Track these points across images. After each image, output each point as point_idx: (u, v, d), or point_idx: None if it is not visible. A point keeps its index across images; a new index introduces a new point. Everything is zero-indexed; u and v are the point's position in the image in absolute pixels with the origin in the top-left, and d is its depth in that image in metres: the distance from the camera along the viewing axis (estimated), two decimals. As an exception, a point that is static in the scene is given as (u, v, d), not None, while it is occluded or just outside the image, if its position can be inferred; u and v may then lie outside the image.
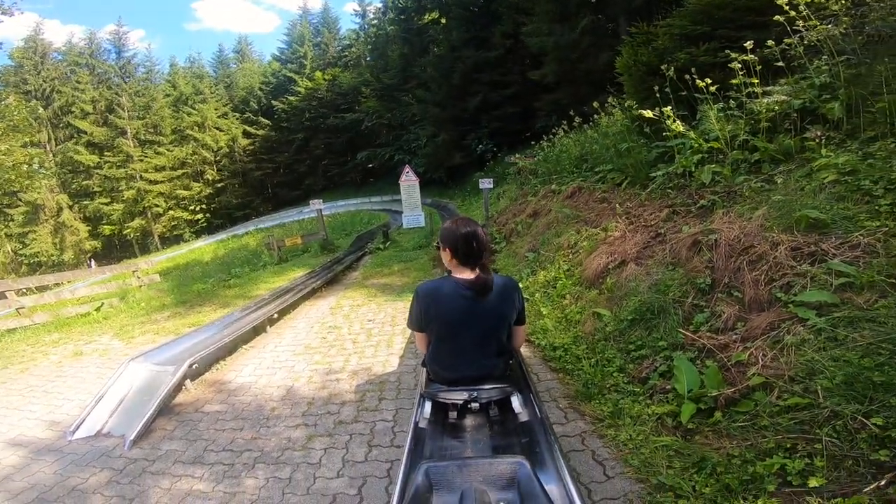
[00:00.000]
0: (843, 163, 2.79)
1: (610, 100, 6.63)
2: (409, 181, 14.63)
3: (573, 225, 5.43)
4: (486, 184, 10.60)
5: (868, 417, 1.65)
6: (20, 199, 30.48)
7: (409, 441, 1.80)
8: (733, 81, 3.63)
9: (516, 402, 1.90)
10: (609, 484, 2.05)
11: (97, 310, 6.95)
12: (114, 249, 36.43)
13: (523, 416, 1.86)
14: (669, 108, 3.91)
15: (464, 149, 23.11)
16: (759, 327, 2.32)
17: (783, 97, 3.56)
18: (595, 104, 6.85)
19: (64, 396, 3.86)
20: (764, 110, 3.53)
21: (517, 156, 11.38)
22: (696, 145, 3.88)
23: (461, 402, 1.90)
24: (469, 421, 1.97)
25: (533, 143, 10.25)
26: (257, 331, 4.90)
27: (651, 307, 3.00)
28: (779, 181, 3.14)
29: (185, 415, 3.24)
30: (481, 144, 21.92)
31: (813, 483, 1.62)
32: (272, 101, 40.64)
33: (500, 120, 21.39)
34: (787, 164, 3.35)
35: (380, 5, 39.87)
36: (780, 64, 3.51)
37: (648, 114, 3.93)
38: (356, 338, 4.56)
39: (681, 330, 2.67)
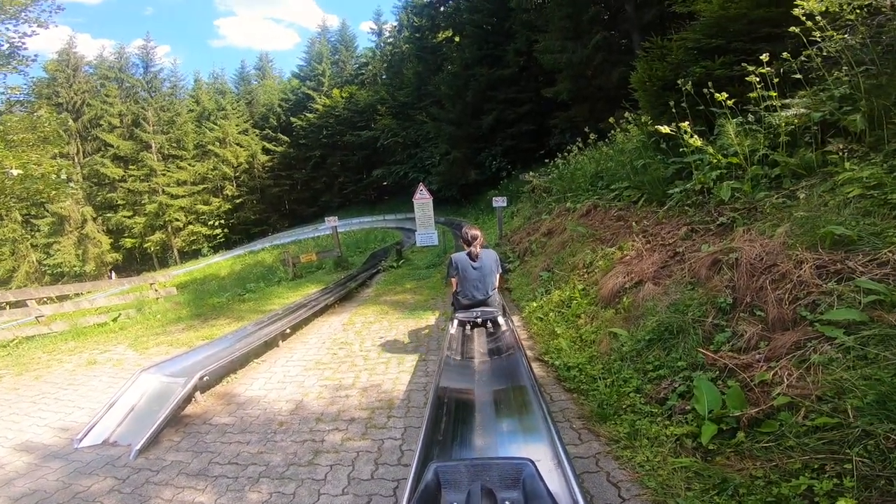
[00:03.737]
0: (868, 176, 2.70)
1: (626, 115, 6.59)
2: (422, 199, 14.65)
3: (588, 244, 5.36)
4: (499, 202, 10.57)
5: (904, 438, 1.55)
6: (47, 210, 31.53)
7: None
8: (751, 95, 3.57)
9: (500, 320, 3.84)
10: (624, 508, 1.96)
11: (114, 320, 7.07)
12: (134, 262, 37.14)
13: (504, 328, 3.70)
14: (687, 123, 3.85)
15: (478, 166, 23.14)
16: (783, 346, 2.22)
17: (802, 110, 3.48)
18: (611, 120, 6.82)
19: (74, 404, 3.90)
20: (783, 124, 3.44)
21: (531, 174, 11.32)
22: (715, 161, 3.81)
23: (472, 319, 3.88)
24: (476, 332, 3.84)
25: (547, 160, 10.22)
26: (269, 345, 4.89)
27: (669, 327, 2.91)
28: (801, 196, 3.05)
29: (193, 426, 3.22)
30: (495, 162, 21.94)
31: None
32: (291, 118, 41.58)
33: (514, 138, 21.49)
34: (808, 178, 3.25)
35: (395, 24, 40.77)
36: (798, 76, 3.45)
37: (665, 129, 3.88)
38: (367, 354, 4.53)
39: (701, 350, 2.58)
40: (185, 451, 2.89)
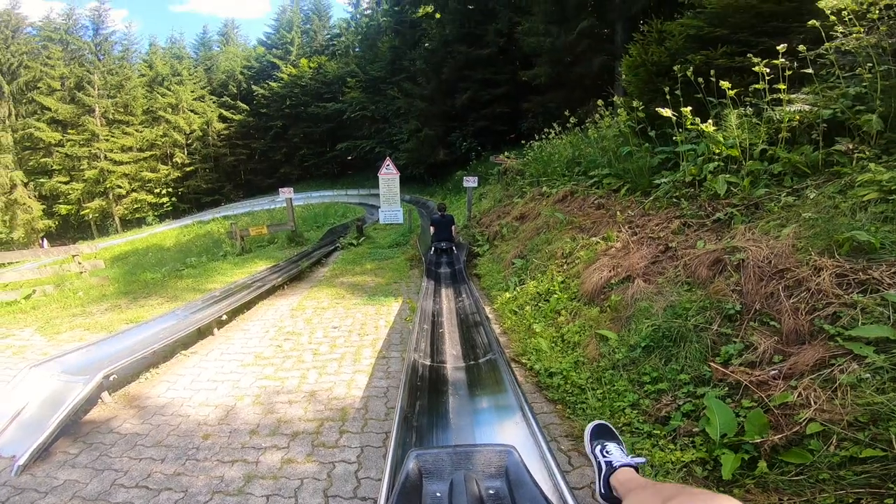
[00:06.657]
0: (889, 179, 2.47)
1: (616, 99, 6.30)
2: (388, 174, 13.91)
3: (567, 231, 5.04)
4: (470, 182, 10.05)
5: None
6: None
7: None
8: (758, 86, 3.31)
9: (454, 248, 7.33)
10: (627, 559, 1.61)
11: (26, 297, 6.10)
12: (70, 230, 34.20)
13: (454, 251, 7.28)
14: (688, 108, 3.54)
15: (448, 146, 22.55)
16: (805, 363, 1.94)
17: (807, 107, 3.28)
18: (599, 102, 6.51)
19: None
20: (786, 119, 3.24)
21: (505, 154, 10.97)
22: (713, 151, 3.56)
23: (439, 246, 7.28)
24: (443, 256, 7.13)
25: (522, 142, 9.88)
26: (202, 333, 4.26)
27: (668, 333, 2.60)
28: (811, 196, 2.81)
29: (96, 435, 2.63)
30: (465, 143, 21.42)
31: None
32: (253, 87, 39.04)
33: (487, 119, 20.95)
34: (813, 178, 3.05)
35: (376, -5, 38.80)
36: (808, 71, 3.23)
37: (666, 112, 3.55)
38: (317, 348, 3.98)
39: (710, 363, 2.28)
40: (82, 467, 2.33)
